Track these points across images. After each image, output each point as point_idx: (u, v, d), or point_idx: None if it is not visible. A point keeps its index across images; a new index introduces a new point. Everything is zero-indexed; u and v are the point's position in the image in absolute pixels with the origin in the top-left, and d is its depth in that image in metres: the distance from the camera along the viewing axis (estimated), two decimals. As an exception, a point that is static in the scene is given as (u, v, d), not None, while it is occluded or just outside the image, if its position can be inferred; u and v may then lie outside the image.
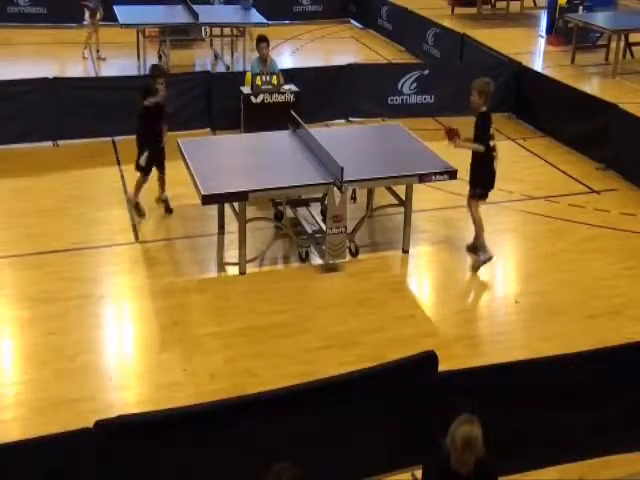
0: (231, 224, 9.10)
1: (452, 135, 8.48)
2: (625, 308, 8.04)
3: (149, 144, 9.24)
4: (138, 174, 9.39)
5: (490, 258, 8.62)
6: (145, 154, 9.17)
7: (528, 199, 10.31)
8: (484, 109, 8.41)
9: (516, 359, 5.92)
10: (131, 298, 8.15)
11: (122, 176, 10.64)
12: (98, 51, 15.66)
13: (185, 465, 4.87)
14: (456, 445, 4.49)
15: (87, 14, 15.46)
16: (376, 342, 7.36)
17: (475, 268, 8.72)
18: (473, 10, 20.76)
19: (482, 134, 8.38)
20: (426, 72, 13.23)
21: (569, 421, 5.55)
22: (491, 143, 8.41)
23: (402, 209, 9.00)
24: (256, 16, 15.46)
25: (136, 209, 9.44)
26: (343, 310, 7.90)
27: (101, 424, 4.65)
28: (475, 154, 8.47)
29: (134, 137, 11.69)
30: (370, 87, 12.88)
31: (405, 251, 8.99)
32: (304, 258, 8.71)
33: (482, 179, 8.52)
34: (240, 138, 10.59)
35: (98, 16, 15.31)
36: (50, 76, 11.82)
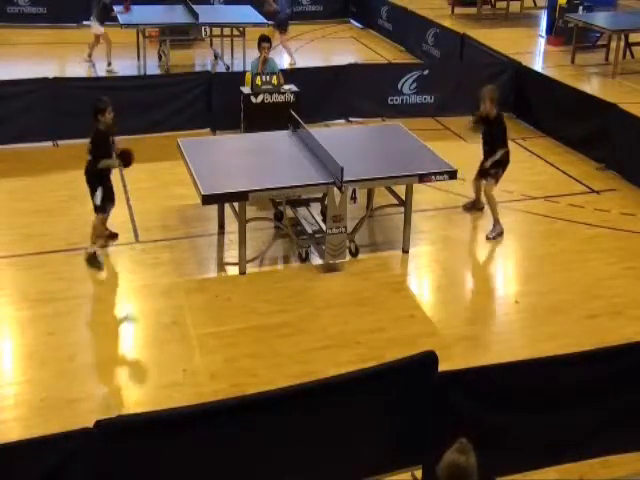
0: (231, 224, 9.11)
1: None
2: (625, 308, 8.03)
3: (102, 180, 8.47)
4: (95, 217, 8.52)
5: (501, 233, 9.38)
6: (99, 190, 8.39)
7: (528, 199, 10.31)
8: (495, 112, 9.21)
9: (516, 359, 5.91)
10: (131, 298, 8.15)
11: (122, 176, 10.63)
12: (109, 63, 15.21)
13: (185, 465, 4.86)
14: (442, 475, 3.99)
15: (97, 22, 14.90)
16: (376, 342, 7.36)
17: (489, 238, 9.38)
18: (473, 10, 20.76)
19: (503, 136, 9.32)
20: (426, 72, 13.24)
21: (569, 421, 5.55)
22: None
23: (402, 209, 9.00)
24: (256, 16, 15.47)
25: (95, 260, 8.51)
26: (343, 310, 7.90)
27: (101, 424, 4.65)
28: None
29: (134, 137, 11.79)
30: (370, 87, 12.88)
31: (405, 251, 8.99)
32: (304, 258, 8.71)
33: (501, 163, 9.33)
34: (240, 138, 10.58)
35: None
36: (50, 76, 11.82)
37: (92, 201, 8.49)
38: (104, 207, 8.54)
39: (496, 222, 9.36)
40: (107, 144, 8.40)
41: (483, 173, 9.46)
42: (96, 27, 14.90)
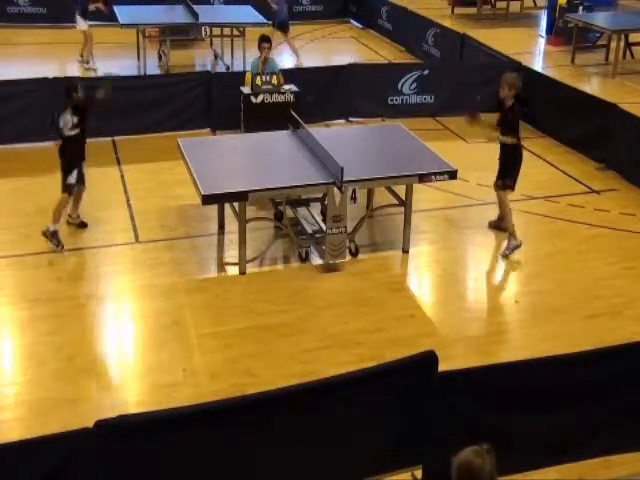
0: (231, 224, 9.11)
1: (473, 116, 8.94)
2: (625, 308, 8.03)
3: (77, 161, 8.84)
4: (62, 196, 8.74)
5: (518, 246, 8.97)
6: (75, 171, 8.73)
7: (528, 199, 10.31)
8: (512, 102, 8.80)
9: (516, 359, 5.92)
10: (131, 298, 8.15)
11: (122, 176, 10.65)
12: (88, 62, 15.35)
13: (185, 465, 4.86)
14: (454, 474, 3.95)
15: (82, 18, 14.95)
16: (376, 342, 7.36)
17: (505, 256, 8.99)
18: (473, 10, 20.76)
19: (513, 126, 8.82)
20: (426, 72, 13.24)
21: (569, 421, 5.55)
22: (521, 135, 8.88)
23: (402, 209, 9.00)
24: (256, 16, 15.47)
25: (56, 238, 8.67)
26: (343, 310, 7.90)
27: (101, 424, 4.65)
28: (508, 147, 8.86)
29: (133, 137, 11.82)
30: (370, 87, 12.88)
31: (405, 251, 8.99)
32: (304, 258, 8.71)
33: (514, 171, 8.94)
34: (240, 138, 10.58)
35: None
36: (50, 76, 11.82)
37: (64, 180, 8.69)
38: (73, 187, 8.78)
39: (510, 236, 8.96)
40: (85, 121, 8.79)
41: (499, 177, 9.11)
42: (81, 23, 14.88)
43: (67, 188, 8.72)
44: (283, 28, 15.74)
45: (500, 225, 9.42)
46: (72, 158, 8.75)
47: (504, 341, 7.62)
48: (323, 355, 7.16)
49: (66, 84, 8.86)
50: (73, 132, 8.64)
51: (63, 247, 8.69)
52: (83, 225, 9.20)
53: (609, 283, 8.50)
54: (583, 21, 16.72)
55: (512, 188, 9.04)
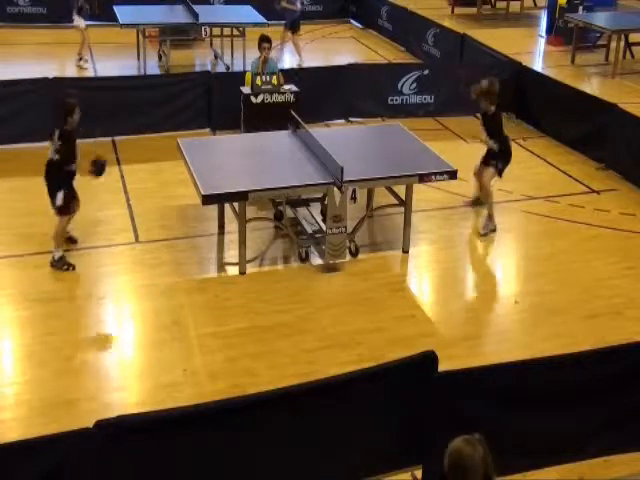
0: (231, 224, 9.11)
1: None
2: (625, 308, 8.03)
3: (65, 182, 8.28)
4: (58, 220, 8.34)
5: (494, 229, 9.38)
6: (61, 192, 8.19)
7: (528, 199, 10.31)
8: (492, 108, 9.15)
9: (516, 359, 5.91)
10: (131, 298, 8.15)
11: (122, 176, 10.64)
12: (81, 59, 15.40)
13: (185, 465, 4.87)
14: (446, 463, 3.96)
15: (80, 17, 14.99)
16: (376, 342, 7.36)
17: (483, 235, 9.41)
18: (473, 10, 20.77)
19: (492, 131, 9.26)
20: (426, 72, 13.24)
21: (569, 421, 5.55)
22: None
23: (402, 209, 9.00)
24: (256, 16, 15.47)
25: (64, 262, 8.37)
26: (343, 310, 7.90)
27: (101, 424, 4.65)
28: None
29: (133, 137, 11.82)
30: (370, 87, 12.88)
31: (405, 251, 8.99)
32: (304, 258, 8.71)
33: (502, 155, 9.27)
34: (240, 138, 10.58)
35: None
36: (50, 76, 11.82)
37: (52, 203, 8.27)
38: (69, 207, 8.36)
39: (490, 217, 9.36)
40: (74, 145, 8.29)
41: (484, 162, 9.44)
42: (78, 21, 14.89)
43: (59, 211, 8.30)
44: (294, 28, 15.80)
45: (476, 202, 9.81)
46: (55, 178, 8.27)
47: (504, 341, 7.61)
48: (323, 355, 7.16)
49: (63, 105, 8.34)
50: (54, 157, 8.22)
51: (74, 267, 8.40)
52: (72, 241, 8.81)
53: (609, 283, 8.50)
54: (583, 21, 16.73)
55: (500, 174, 9.36)
